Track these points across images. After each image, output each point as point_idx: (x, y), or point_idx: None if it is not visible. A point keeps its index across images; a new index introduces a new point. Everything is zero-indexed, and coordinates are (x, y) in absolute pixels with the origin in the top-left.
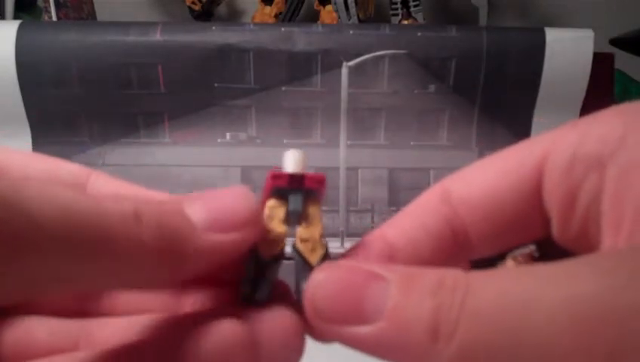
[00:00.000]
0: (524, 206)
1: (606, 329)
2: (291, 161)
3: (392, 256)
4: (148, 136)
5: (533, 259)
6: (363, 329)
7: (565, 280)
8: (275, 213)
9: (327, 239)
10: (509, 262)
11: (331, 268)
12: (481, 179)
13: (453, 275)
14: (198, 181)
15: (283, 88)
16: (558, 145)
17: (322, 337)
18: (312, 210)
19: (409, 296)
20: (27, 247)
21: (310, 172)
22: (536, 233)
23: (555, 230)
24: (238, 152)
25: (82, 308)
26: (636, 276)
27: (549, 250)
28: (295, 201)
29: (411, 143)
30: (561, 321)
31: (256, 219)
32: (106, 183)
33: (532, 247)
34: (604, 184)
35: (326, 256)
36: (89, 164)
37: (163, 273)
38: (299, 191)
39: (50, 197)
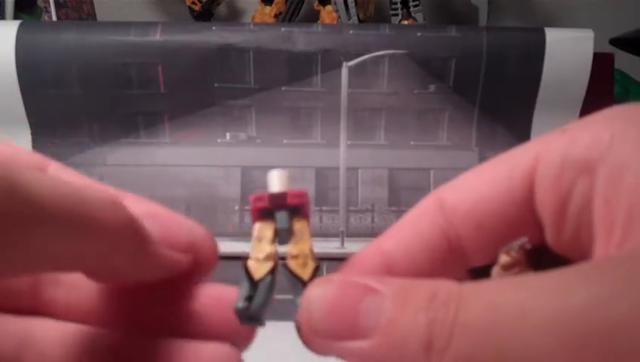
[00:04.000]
0: (516, 214)
1: (596, 343)
2: (272, 181)
3: (388, 268)
4: (148, 136)
5: (525, 251)
6: (358, 344)
7: (555, 292)
8: (262, 233)
9: (327, 239)
10: (503, 258)
11: (325, 283)
12: (473, 187)
13: (446, 288)
14: (198, 181)
15: (283, 88)
16: (548, 151)
17: (318, 351)
18: (299, 226)
19: (403, 311)
20: (29, 222)
21: (292, 189)
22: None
23: (549, 237)
24: (238, 152)
25: (17, 303)
26: (626, 286)
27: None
28: (280, 220)
29: (411, 143)
30: (550, 335)
31: (198, 249)
32: (63, 176)
33: (524, 239)
34: (594, 188)
35: (318, 270)
36: (89, 164)
37: (128, 256)
38: (283, 209)
39: (44, 180)
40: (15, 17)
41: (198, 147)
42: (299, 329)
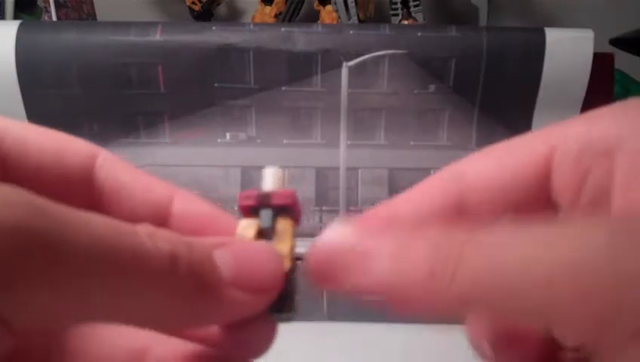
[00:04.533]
0: (530, 193)
1: (607, 296)
2: (265, 179)
3: (394, 223)
4: (148, 136)
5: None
6: (368, 278)
7: (566, 244)
8: (245, 231)
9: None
10: None
11: (340, 227)
12: (491, 165)
13: (454, 230)
14: (198, 181)
15: (283, 88)
16: (566, 137)
17: (330, 287)
18: (282, 226)
19: (410, 249)
20: (67, 270)
21: (282, 189)
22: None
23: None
24: (238, 152)
25: (47, 346)
26: (637, 242)
27: None
28: (264, 219)
29: (411, 143)
30: (561, 285)
31: (279, 283)
32: (114, 170)
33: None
34: (614, 171)
35: (293, 271)
36: None
37: (183, 319)
38: (268, 208)
39: (94, 229)
40: (15, 17)
41: (198, 147)
42: (311, 270)
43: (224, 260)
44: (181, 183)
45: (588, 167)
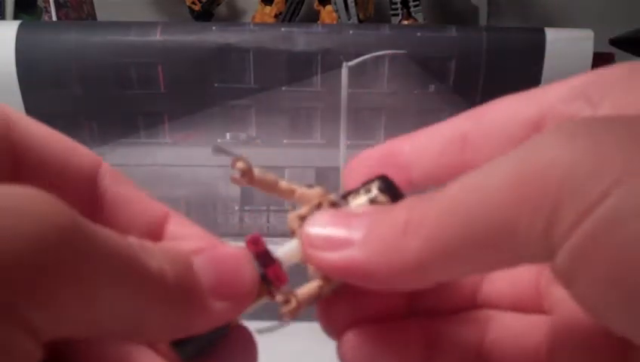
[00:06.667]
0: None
1: (548, 188)
2: (285, 247)
3: (394, 157)
4: (148, 137)
5: (382, 192)
6: (349, 252)
7: (513, 153)
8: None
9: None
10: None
11: (327, 210)
12: (499, 108)
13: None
14: (198, 181)
15: (283, 88)
16: (557, 95)
17: (317, 264)
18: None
19: (381, 219)
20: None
21: (283, 271)
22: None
23: None
24: (238, 152)
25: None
26: (586, 142)
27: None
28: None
29: None
30: (509, 182)
31: (255, 288)
32: (116, 181)
33: (376, 186)
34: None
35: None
36: None
37: (172, 324)
38: (260, 267)
39: (107, 239)
40: (15, 17)
41: (198, 147)
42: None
43: (203, 269)
44: (181, 183)
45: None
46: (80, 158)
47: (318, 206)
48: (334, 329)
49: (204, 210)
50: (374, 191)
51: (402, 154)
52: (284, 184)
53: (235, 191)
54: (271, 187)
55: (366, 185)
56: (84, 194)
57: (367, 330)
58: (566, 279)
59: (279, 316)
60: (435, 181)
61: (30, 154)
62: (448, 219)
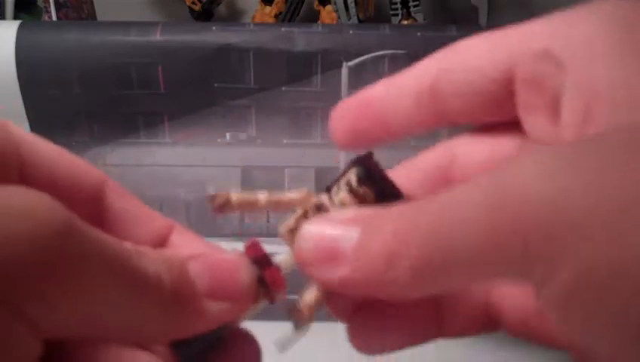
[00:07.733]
0: (496, 91)
1: (521, 223)
2: (283, 255)
3: (368, 107)
4: (148, 137)
5: (362, 183)
6: (339, 270)
7: (485, 182)
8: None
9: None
10: (343, 195)
11: (314, 222)
12: (467, 58)
13: (400, 210)
14: (198, 181)
15: (283, 88)
16: (528, 43)
17: (313, 276)
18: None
19: (370, 237)
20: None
21: (280, 274)
22: (506, 117)
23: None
24: (238, 152)
25: None
26: (542, 167)
27: (372, 173)
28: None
29: (411, 143)
30: (481, 218)
31: (252, 290)
32: (122, 197)
33: (354, 177)
34: (565, 82)
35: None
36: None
37: (168, 326)
38: (256, 270)
39: (104, 242)
40: (15, 17)
41: (198, 147)
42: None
43: (198, 273)
44: (181, 183)
45: (544, 76)
46: (86, 175)
47: (305, 214)
48: (343, 314)
49: (204, 210)
50: (353, 182)
51: (378, 106)
52: (264, 198)
53: (234, 191)
54: (253, 206)
55: (345, 174)
56: (91, 210)
57: (372, 309)
58: (555, 316)
59: (294, 328)
60: (411, 133)
61: (37, 172)
62: (432, 245)
